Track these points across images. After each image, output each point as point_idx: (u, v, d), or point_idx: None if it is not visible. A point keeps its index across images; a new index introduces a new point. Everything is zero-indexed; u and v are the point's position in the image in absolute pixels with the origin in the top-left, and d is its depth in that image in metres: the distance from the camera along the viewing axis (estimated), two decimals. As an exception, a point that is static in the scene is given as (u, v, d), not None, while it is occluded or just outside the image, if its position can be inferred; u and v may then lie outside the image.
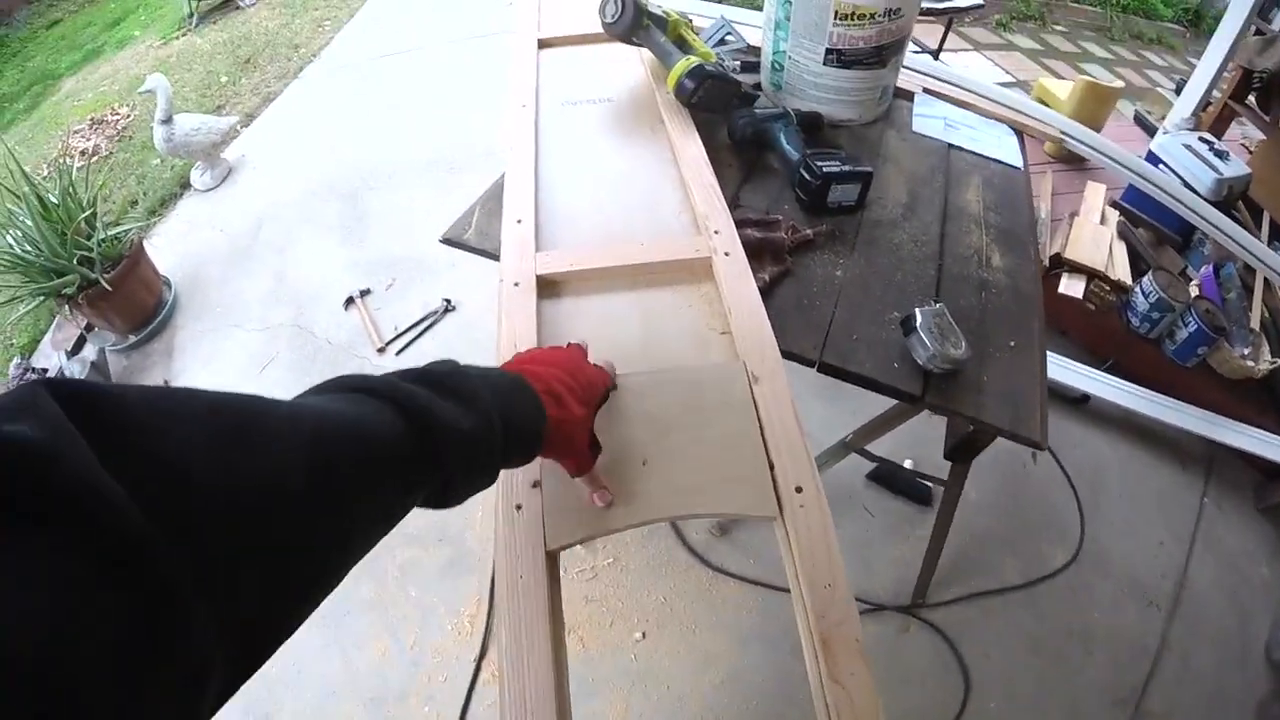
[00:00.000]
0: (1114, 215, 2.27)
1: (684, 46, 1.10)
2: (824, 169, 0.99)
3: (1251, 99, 2.54)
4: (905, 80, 1.38)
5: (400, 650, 1.52)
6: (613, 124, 1.08)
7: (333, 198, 2.61)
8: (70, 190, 2.00)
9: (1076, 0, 4.84)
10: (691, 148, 1.00)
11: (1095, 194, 2.33)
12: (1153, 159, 2.22)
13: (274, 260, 2.39)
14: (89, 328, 2.21)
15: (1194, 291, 2.02)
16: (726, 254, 0.84)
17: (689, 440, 0.67)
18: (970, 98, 1.40)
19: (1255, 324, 2.01)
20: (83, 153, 3.04)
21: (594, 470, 0.60)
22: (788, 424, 0.67)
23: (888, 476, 1.77)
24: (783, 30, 1.18)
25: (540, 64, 1.20)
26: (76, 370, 1.97)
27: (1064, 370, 1.97)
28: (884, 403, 1.06)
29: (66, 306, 2.04)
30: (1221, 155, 2.15)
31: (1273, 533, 1.85)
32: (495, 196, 1.00)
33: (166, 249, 2.45)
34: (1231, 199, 2.17)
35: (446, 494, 0.45)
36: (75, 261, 1.94)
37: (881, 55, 1.16)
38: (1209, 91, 2.58)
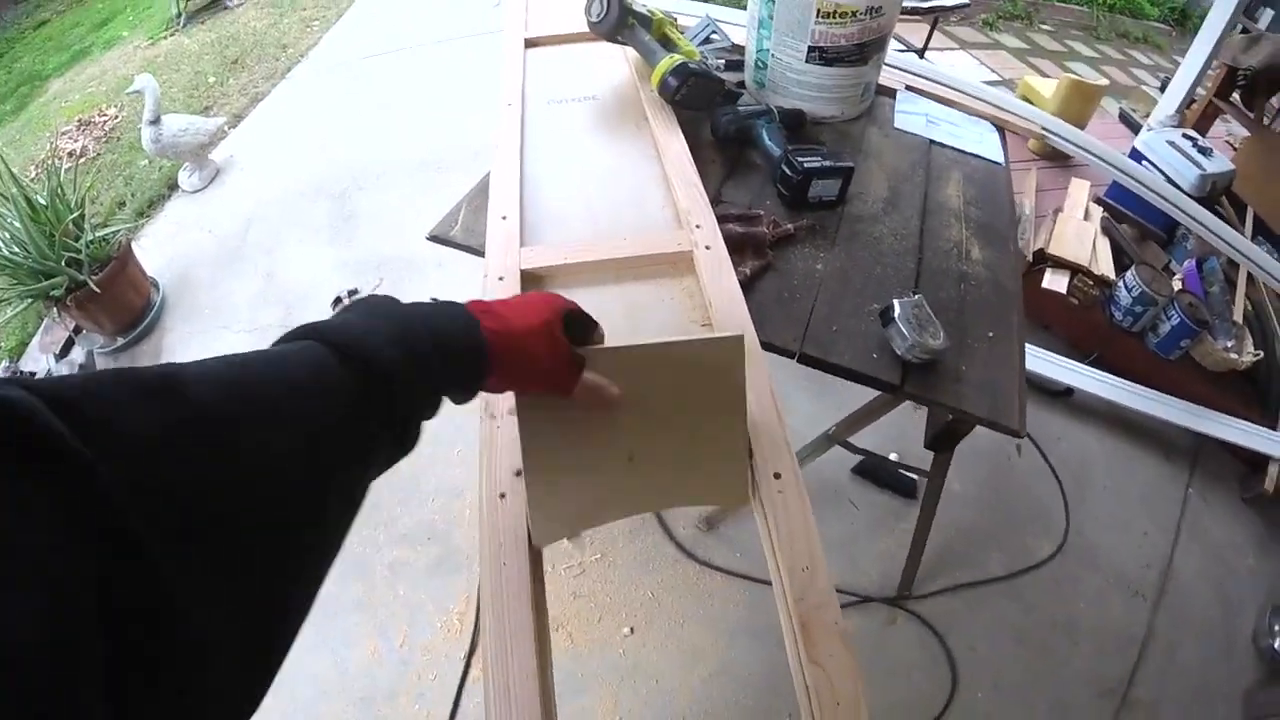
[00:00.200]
0: (1098, 211, 2.30)
1: (668, 45, 1.11)
2: (805, 164, 1.00)
3: (1236, 96, 2.57)
4: (888, 78, 1.40)
5: (390, 649, 1.52)
6: (598, 122, 1.09)
7: (321, 198, 2.61)
8: (58, 192, 1.98)
9: (1063, 0, 4.88)
10: (675, 144, 1.01)
11: (1079, 190, 2.35)
12: (1137, 156, 2.24)
13: (263, 261, 2.38)
14: (77, 330, 2.20)
15: (1177, 285, 2.05)
16: (708, 248, 0.85)
17: (678, 431, 0.64)
18: (953, 95, 1.41)
19: (1238, 317, 2.04)
20: (70, 154, 3.02)
21: (586, 383, 0.56)
22: (766, 411, 0.68)
23: (873, 470, 1.79)
24: (766, 28, 1.19)
25: (527, 63, 1.21)
26: (65, 373, 1.96)
27: (1048, 364, 1.99)
28: (868, 396, 1.08)
29: (55, 309, 2.03)
30: (1205, 151, 2.18)
31: (1258, 522, 1.88)
32: (481, 193, 1.01)
33: (155, 250, 2.44)
34: (1215, 195, 2.19)
35: (393, 410, 0.42)
36: (63, 263, 1.93)
37: (863, 53, 1.17)
38: (1193, 89, 2.61)
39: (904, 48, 2.98)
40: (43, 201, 1.95)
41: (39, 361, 2.17)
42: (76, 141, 3.12)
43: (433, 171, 2.69)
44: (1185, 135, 2.25)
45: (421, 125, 2.92)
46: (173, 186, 2.73)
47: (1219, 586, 1.74)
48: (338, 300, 2.21)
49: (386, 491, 1.76)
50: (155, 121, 2.45)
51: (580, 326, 0.59)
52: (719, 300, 0.78)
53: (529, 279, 0.83)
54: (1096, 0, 4.90)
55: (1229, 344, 1.94)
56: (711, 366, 0.64)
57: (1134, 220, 2.29)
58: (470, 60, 3.28)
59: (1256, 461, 1.89)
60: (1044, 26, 4.57)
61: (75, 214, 1.99)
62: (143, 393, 0.30)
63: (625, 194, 0.96)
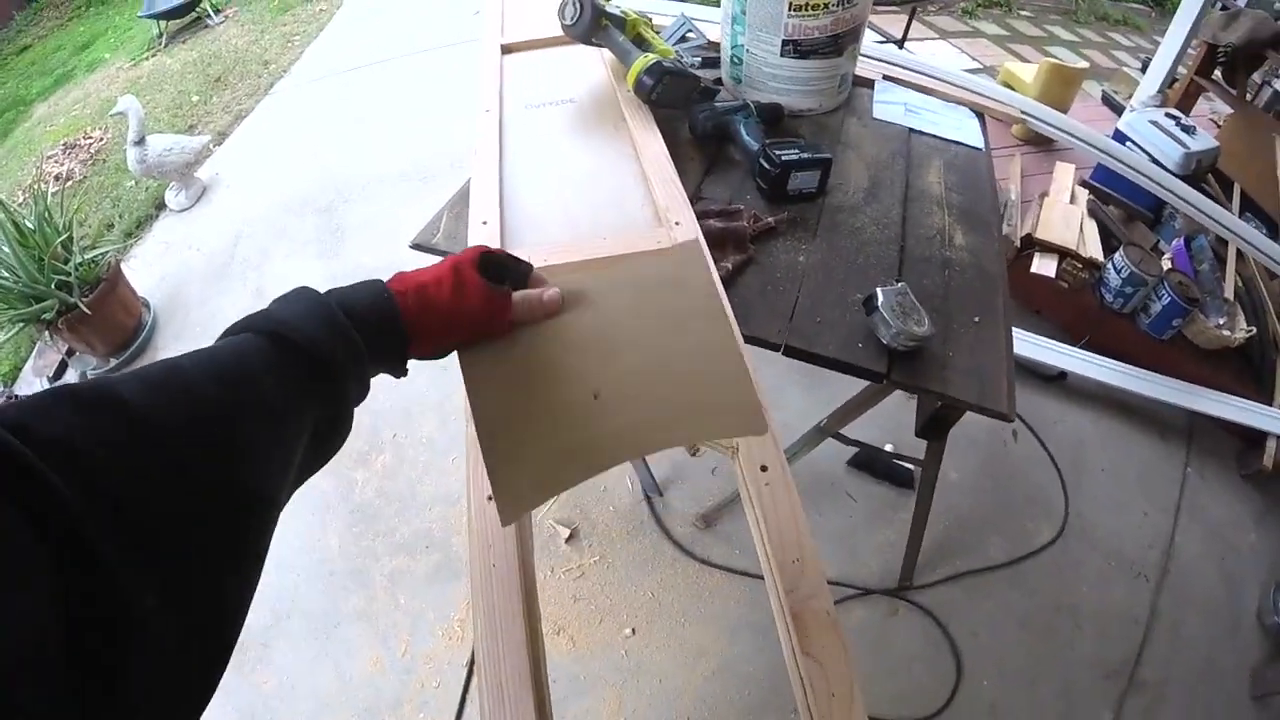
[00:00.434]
0: (1084, 194, 2.30)
1: (643, 45, 1.11)
2: (783, 157, 1.00)
3: (1217, 74, 2.57)
4: (865, 68, 1.40)
5: (392, 659, 1.52)
6: (576, 124, 1.09)
7: (307, 212, 2.61)
8: (46, 215, 1.99)
9: (1042, -15, 4.90)
10: (653, 144, 1.01)
11: (1064, 174, 2.35)
12: (1120, 137, 2.24)
13: (252, 277, 2.38)
14: (70, 352, 2.20)
15: (1166, 265, 2.04)
16: (687, 244, 0.85)
17: (646, 358, 0.56)
18: (931, 83, 1.41)
19: (1229, 294, 2.04)
20: (57, 177, 3.03)
21: (518, 304, 0.56)
22: None
23: (869, 462, 1.79)
24: (740, 24, 1.19)
25: (504, 69, 1.21)
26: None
27: (1040, 348, 1.99)
28: (859, 388, 1.07)
29: (46, 332, 2.03)
30: (1189, 130, 2.18)
31: (1257, 499, 1.88)
32: (462, 200, 1.00)
33: (144, 270, 2.44)
34: (1200, 173, 2.19)
35: (324, 385, 0.44)
36: (53, 286, 1.93)
37: (838, 44, 1.17)
38: (1174, 68, 2.62)
39: (883, 39, 2.98)
40: (30, 226, 1.96)
41: (34, 385, 2.17)
42: (62, 165, 3.12)
43: (417, 181, 2.69)
44: (1168, 115, 2.25)
45: (405, 136, 2.93)
46: (160, 206, 2.73)
47: (1221, 564, 1.74)
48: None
49: (383, 502, 1.76)
50: (140, 142, 2.45)
51: (501, 268, 0.57)
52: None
53: (509, 282, 0.82)
54: (1076, -16, 4.92)
55: (1221, 321, 1.94)
56: (670, 278, 0.58)
57: (1120, 201, 2.29)
58: (452, 69, 3.29)
59: (1253, 438, 1.89)
60: (1023, 12, 4.58)
61: (63, 237, 2.00)
62: (83, 408, 0.31)
63: (605, 194, 0.96)
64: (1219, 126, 2.80)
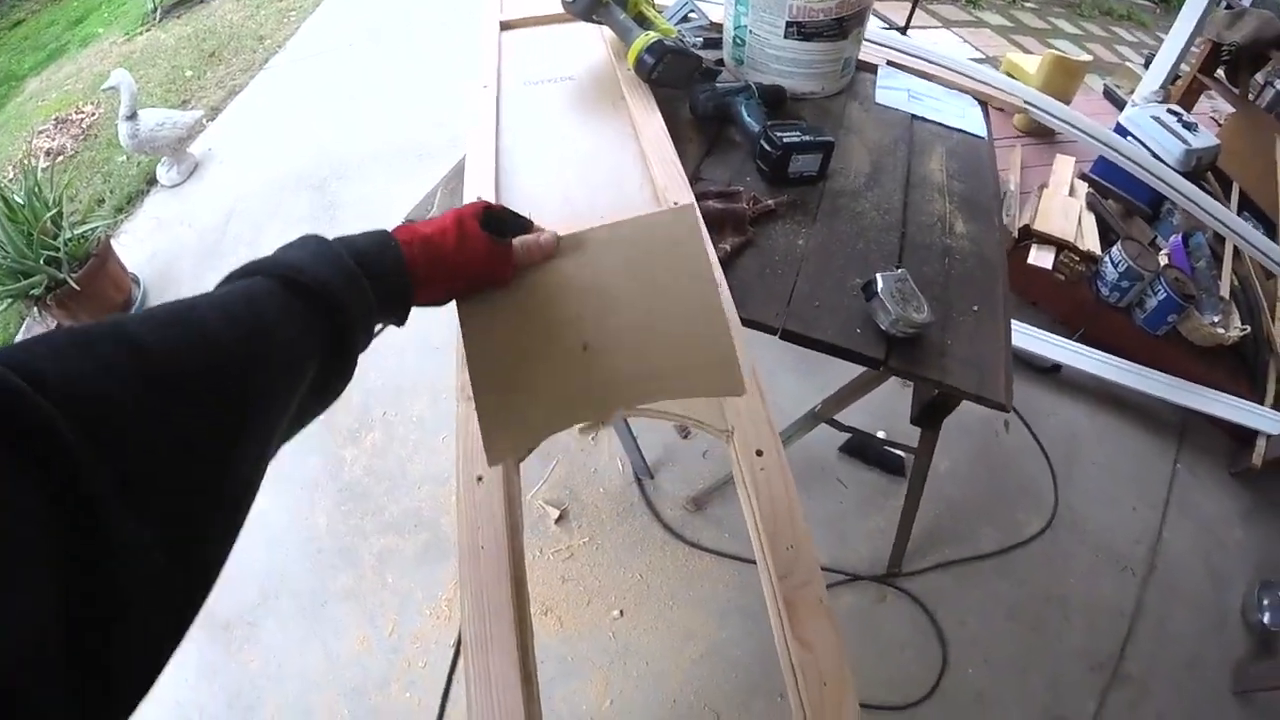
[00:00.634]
0: (1083, 187, 2.29)
1: (644, 23, 1.09)
2: (784, 139, 0.99)
3: (1220, 72, 2.56)
4: (869, 53, 1.38)
5: (380, 638, 1.51)
6: (574, 102, 1.07)
7: (301, 189, 2.57)
8: (36, 191, 1.96)
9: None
10: (652, 123, 1.00)
11: (1064, 166, 2.35)
12: (1122, 131, 2.24)
13: (244, 254, 2.30)
14: (59, 329, 2.17)
15: (1163, 261, 2.04)
16: (686, 225, 0.83)
17: (636, 313, 0.58)
18: (934, 70, 1.40)
19: (1225, 292, 2.04)
20: (48, 152, 2.98)
21: (517, 249, 0.58)
22: (748, 389, 0.67)
23: (861, 448, 1.79)
24: (744, 4, 1.17)
25: (502, 45, 1.19)
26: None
27: (1035, 340, 1.99)
28: (854, 373, 1.07)
29: (35, 308, 2.00)
30: (1190, 127, 2.18)
31: (1245, 496, 1.89)
32: (457, 176, 0.99)
33: (135, 246, 2.41)
34: (1200, 170, 2.19)
35: (332, 326, 0.44)
36: (42, 262, 1.90)
37: (843, 27, 1.16)
38: (1178, 64, 2.61)
39: (886, 25, 2.96)
40: (20, 201, 1.92)
41: (20, 361, 2.13)
42: (54, 140, 3.07)
43: (413, 159, 2.66)
44: (1170, 111, 2.25)
45: (401, 113, 2.89)
46: (151, 182, 2.69)
47: (1208, 560, 1.75)
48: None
49: (372, 480, 1.75)
50: (132, 117, 2.41)
51: (502, 223, 0.59)
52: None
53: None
54: (1081, -23, 4.88)
55: (1216, 319, 1.95)
56: (663, 240, 0.60)
57: (1119, 196, 2.28)
58: (449, 46, 3.25)
59: (1243, 436, 1.90)
60: (1027, 4, 4.55)
61: (53, 212, 1.96)
62: (97, 352, 0.30)
63: (603, 174, 0.95)
64: (1219, 125, 2.80)
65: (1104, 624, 1.62)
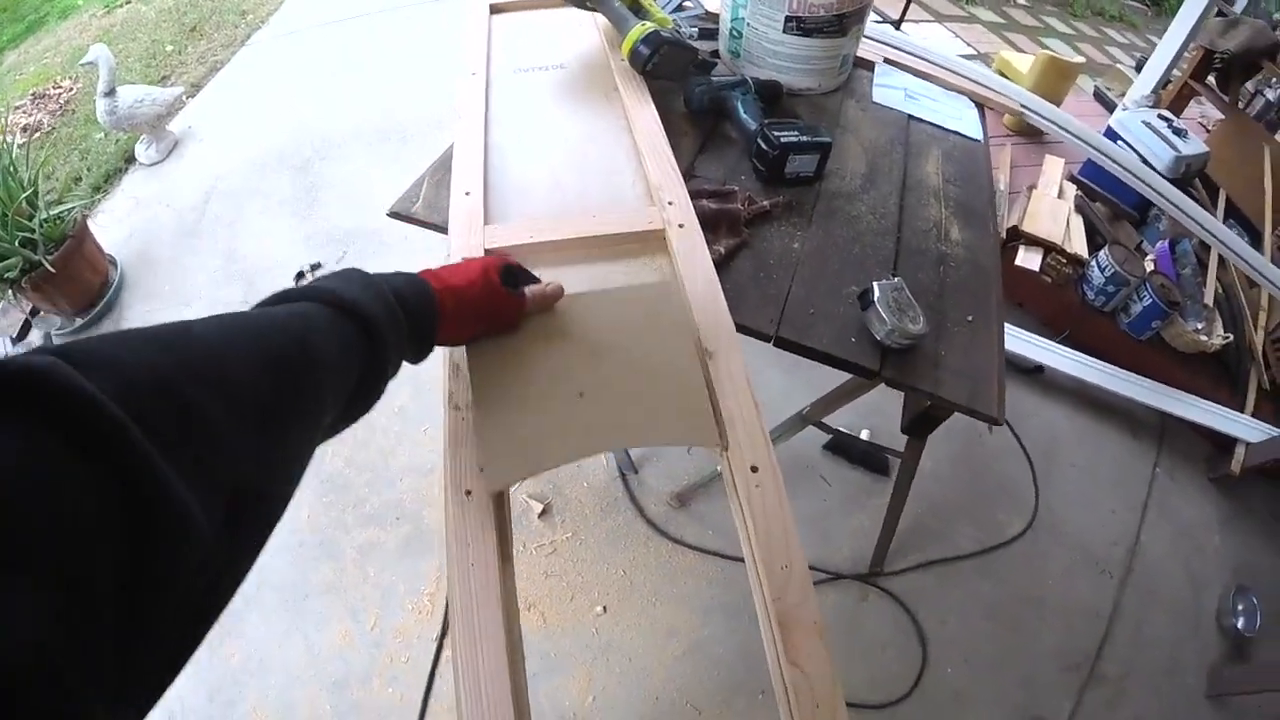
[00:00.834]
0: (1071, 189, 2.30)
1: (639, 12, 1.06)
2: (782, 139, 0.97)
3: (1211, 79, 2.57)
4: (866, 50, 1.36)
5: (361, 632, 1.50)
6: (566, 92, 1.05)
7: (283, 169, 2.52)
8: (10, 169, 1.90)
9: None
10: (646, 116, 0.97)
11: (1054, 168, 2.35)
12: (1111, 135, 2.24)
13: (223, 235, 2.30)
14: (34, 312, 2.11)
15: (1149, 266, 2.06)
16: (681, 225, 0.82)
17: (626, 367, 0.66)
18: (932, 69, 1.38)
19: (1209, 299, 2.06)
20: (24, 129, 2.88)
21: (528, 299, 0.66)
22: (743, 402, 0.66)
23: (845, 446, 1.79)
24: (742, -4, 1.15)
25: (492, 29, 1.16)
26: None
27: (1019, 341, 2.00)
28: (842, 373, 1.06)
29: (10, 291, 1.95)
30: (1180, 133, 2.18)
31: (1223, 503, 1.91)
32: (444, 167, 0.96)
33: (112, 227, 2.34)
34: (1189, 177, 2.20)
35: (373, 358, 0.48)
36: (17, 243, 1.85)
37: (843, 23, 1.13)
38: (1169, 70, 2.62)
39: (880, 19, 2.93)
40: (-6, 181, 1.87)
41: (-5, 345, 2.08)
42: (31, 116, 2.97)
43: (397, 142, 2.61)
44: (1161, 116, 2.25)
45: (386, 93, 2.83)
46: (130, 160, 2.61)
47: (1185, 564, 1.78)
48: (300, 275, 2.14)
49: (354, 472, 1.72)
50: (110, 93, 2.34)
51: (516, 278, 0.67)
52: (692, 281, 0.75)
53: (493, 258, 0.79)
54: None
55: (1199, 326, 1.97)
56: (650, 308, 0.69)
57: (1107, 199, 2.29)
58: (438, 26, 3.19)
59: (1223, 443, 1.92)
60: (1020, 1, 4.55)
61: (28, 192, 1.91)
62: (159, 339, 0.33)
63: (594, 168, 0.93)
64: (1208, 131, 2.82)
65: (1081, 625, 1.64)
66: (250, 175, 2.50)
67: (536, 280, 0.70)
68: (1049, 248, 2.08)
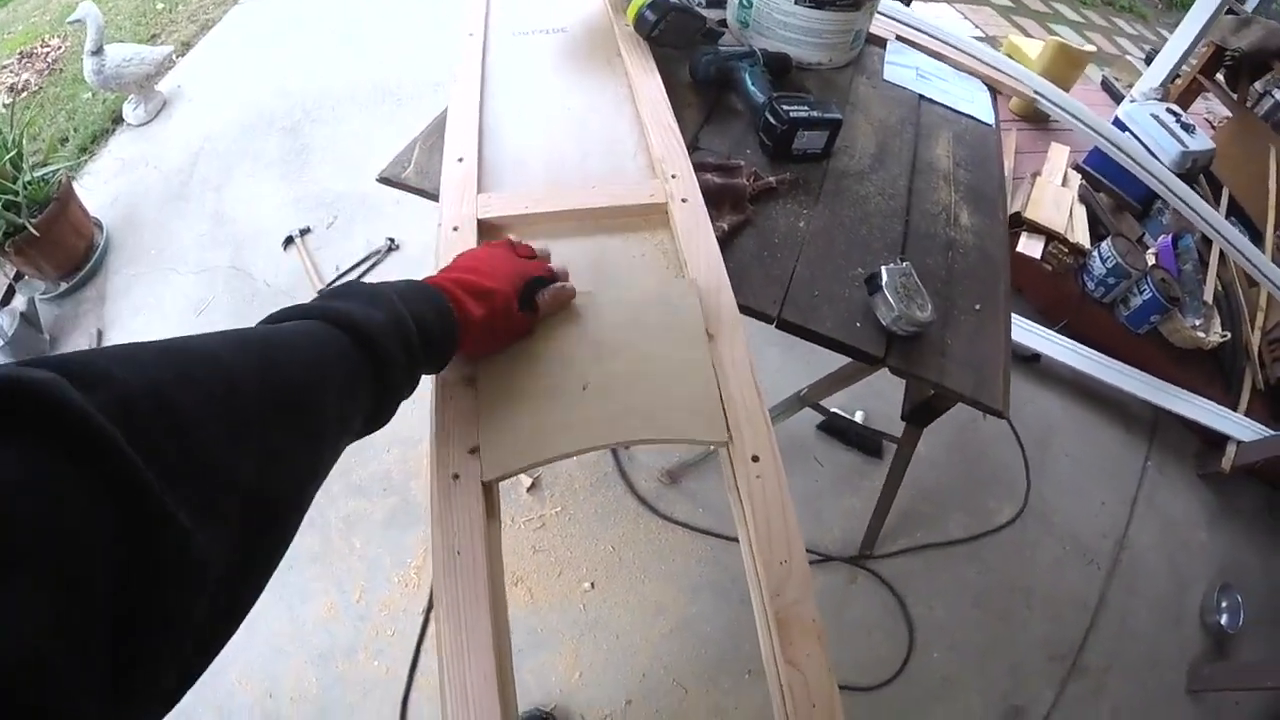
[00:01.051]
0: (1076, 178, 2.27)
1: (646, -25, 1.02)
2: (791, 114, 0.94)
3: (1220, 76, 2.54)
4: (878, 26, 1.32)
5: (347, 604, 1.48)
6: (567, 57, 1.01)
7: (273, 131, 2.46)
8: (-8, 130, 1.85)
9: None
10: (650, 85, 0.94)
11: (1059, 155, 2.32)
12: (1119, 126, 2.21)
13: (211, 198, 2.24)
14: (18, 276, 2.07)
15: (1150, 260, 2.04)
16: (684, 200, 0.79)
17: (633, 364, 0.64)
18: (945, 49, 1.35)
19: (1208, 296, 2.05)
20: (11, 88, 2.80)
21: (545, 308, 0.64)
22: (745, 388, 0.63)
23: (840, 427, 1.78)
24: (753, -36, 1.11)
25: (492, -10, 1.11)
26: (5, 322, 1.83)
27: (1017, 328, 1.98)
28: (842, 356, 1.04)
29: (-7, 256, 1.91)
30: (1188, 129, 2.16)
31: (1212, 499, 1.92)
32: (437, 132, 0.92)
33: (98, 189, 2.29)
34: (1194, 172, 2.18)
35: (383, 385, 0.48)
36: (0, 206, 1.80)
37: (856, -3, 1.10)
38: (1180, 64, 2.58)
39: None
40: (-23, 142, 1.81)
41: (-20, 309, 2.03)
42: (18, 75, 2.89)
43: (391, 104, 2.55)
44: (1169, 110, 2.22)
45: (380, 53, 2.76)
46: (117, 120, 2.54)
47: (1171, 559, 1.78)
48: (289, 240, 2.10)
49: (341, 444, 1.70)
50: (98, 52, 2.27)
51: (534, 292, 0.63)
52: (695, 258, 0.72)
53: (486, 229, 0.76)
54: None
55: (1198, 322, 1.96)
56: (662, 308, 0.67)
57: (1111, 190, 2.27)
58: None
59: (1214, 440, 1.92)
60: (1031, -15, 4.46)
61: (11, 153, 1.86)
62: (169, 354, 0.33)
63: (595, 138, 0.89)
64: (1214, 128, 2.79)
65: (1067, 615, 1.64)
66: (240, 137, 2.44)
67: (555, 278, 0.66)
68: (1051, 236, 2.06)
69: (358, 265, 2.06)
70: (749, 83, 1.02)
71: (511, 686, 0.50)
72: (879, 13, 1.33)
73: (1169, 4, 4.98)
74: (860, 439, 1.78)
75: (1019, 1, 4.20)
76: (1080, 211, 2.17)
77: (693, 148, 0.97)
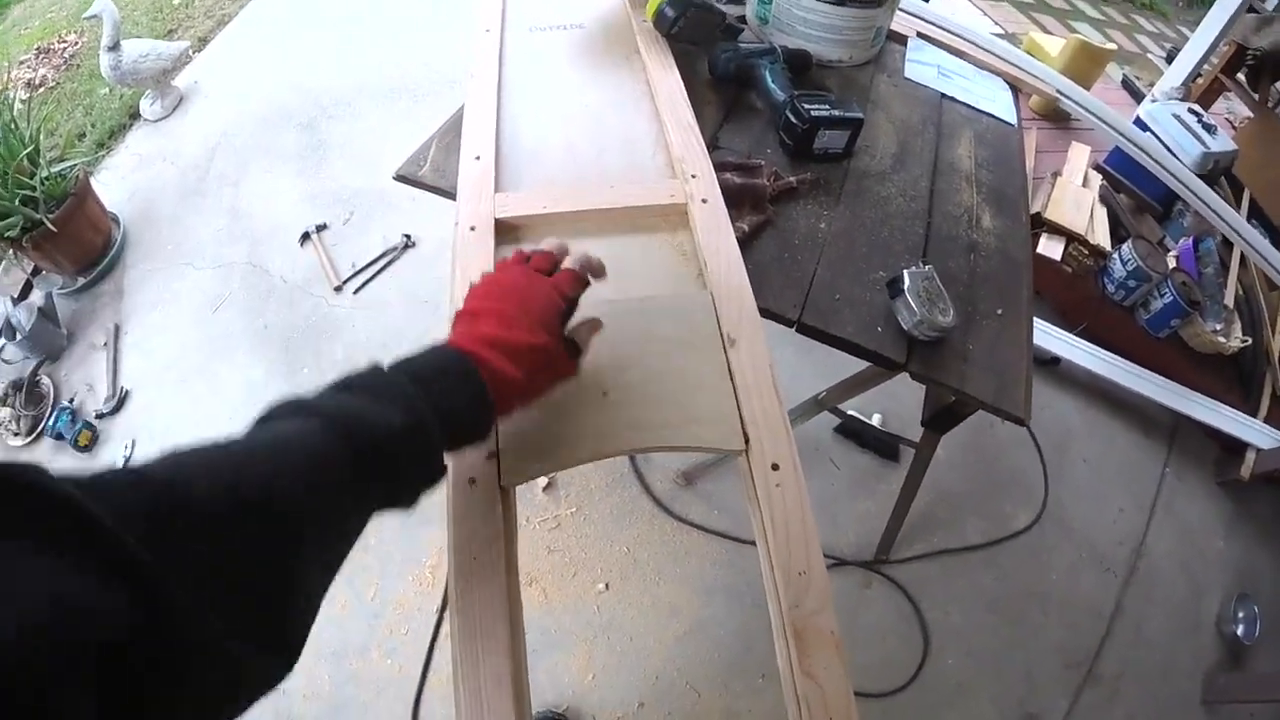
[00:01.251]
0: (1096, 178, 2.24)
1: (665, -28, 1.01)
2: (812, 112, 0.92)
3: (1241, 75, 2.50)
4: (899, 23, 1.31)
5: (360, 603, 1.49)
6: (584, 53, 1.00)
7: (289, 127, 2.46)
8: (11, 126, 1.87)
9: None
10: (669, 82, 0.93)
11: (1079, 155, 2.29)
12: (1140, 125, 2.18)
13: (227, 194, 2.25)
14: (35, 271, 2.09)
15: (1171, 263, 2.01)
16: (704, 201, 0.78)
17: (652, 372, 0.64)
18: (966, 46, 1.33)
19: (1229, 300, 2.01)
20: (29, 84, 2.83)
21: (585, 351, 0.58)
22: (766, 395, 0.62)
23: (856, 430, 1.76)
24: (774, -39, 1.10)
25: (509, -15, 1.10)
26: (23, 317, 1.85)
27: (1037, 332, 1.95)
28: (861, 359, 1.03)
29: (11, 250, 1.93)
30: (1210, 129, 2.11)
31: (1230, 507, 1.89)
32: (454, 129, 0.92)
33: (115, 184, 2.30)
34: (1216, 174, 2.14)
35: (397, 492, 0.45)
36: (18, 202, 1.82)
37: (878, -6, 1.08)
38: (1201, 63, 2.54)
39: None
40: (-5, 137, 1.83)
41: (-2, 305, 2.05)
42: (35, 71, 2.92)
43: (408, 100, 2.56)
44: (1191, 110, 2.18)
45: (398, 48, 2.76)
46: (134, 115, 2.56)
47: (1187, 567, 1.76)
48: (305, 236, 2.10)
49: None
50: (114, 47, 2.29)
51: (577, 296, 0.58)
52: (716, 260, 0.71)
53: (504, 229, 0.75)
54: (1106, -39, 4.74)
55: (1218, 327, 1.92)
56: (680, 318, 0.68)
57: (1132, 191, 2.23)
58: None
59: (1233, 446, 1.89)
60: (1051, -17, 4.41)
61: (29, 149, 1.87)
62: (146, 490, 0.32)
63: (613, 136, 0.88)
64: (1234, 128, 2.74)
65: (1083, 623, 1.62)
66: (256, 132, 2.45)
67: (587, 284, 0.59)
68: (1071, 237, 2.03)
69: (374, 262, 2.06)
70: (769, 80, 1.01)
71: (527, 697, 0.49)
72: (900, 9, 1.31)
73: (1189, 1, 4.91)
74: (877, 442, 1.76)
75: (1040, -2, 4.15)
76: (1101, 213, 2.14)
77: (712, 146, 0.96)
